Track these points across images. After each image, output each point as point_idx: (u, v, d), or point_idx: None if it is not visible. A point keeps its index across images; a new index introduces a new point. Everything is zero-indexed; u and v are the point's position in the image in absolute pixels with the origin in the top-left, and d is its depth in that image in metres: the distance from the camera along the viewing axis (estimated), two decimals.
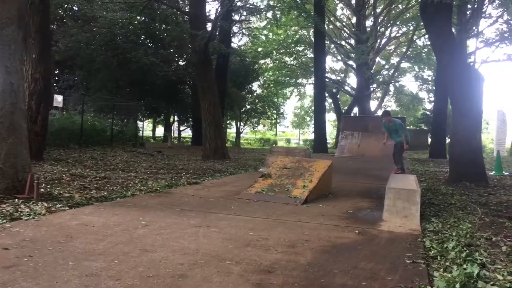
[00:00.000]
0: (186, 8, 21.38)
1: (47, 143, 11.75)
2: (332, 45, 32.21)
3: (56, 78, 24.41)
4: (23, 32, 5.71)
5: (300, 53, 33.03)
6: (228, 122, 38.30)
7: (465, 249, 3.59)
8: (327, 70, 30.52)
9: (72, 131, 15.00)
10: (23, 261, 2.91)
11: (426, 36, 22.22)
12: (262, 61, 33.87)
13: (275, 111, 42.12)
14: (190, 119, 30.53)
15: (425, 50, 29.94)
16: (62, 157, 11.51)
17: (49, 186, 6.48)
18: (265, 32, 33.17)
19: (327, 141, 26.08)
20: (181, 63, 27.56)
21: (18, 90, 5.44)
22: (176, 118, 32.85)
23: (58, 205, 4.89)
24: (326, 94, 29.28)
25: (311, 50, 29.72)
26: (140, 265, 2.93)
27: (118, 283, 2.58)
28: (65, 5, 21.07)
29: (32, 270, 2.74)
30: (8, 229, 3.75)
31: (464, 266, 3.11)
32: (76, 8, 22.01)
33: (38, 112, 10.17)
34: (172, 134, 30.40)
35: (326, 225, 4.50)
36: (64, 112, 17.64)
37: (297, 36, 32.39)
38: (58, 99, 15.79)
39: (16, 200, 4.96)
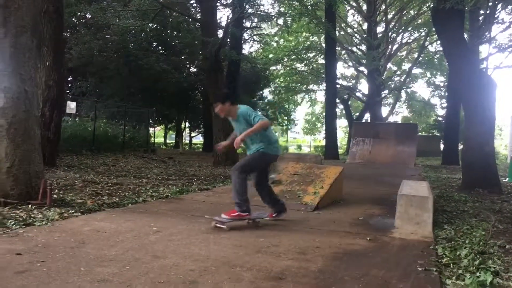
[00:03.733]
0: (198, 15, 21.54)
1: (60, 149, 11.87)
2: (343, 51, 32.17)
3: (69, 85, 24.73)
4: (37, 40, 5.79)
5: (311, 59, 32.96)
6: None
7: (478, 256, 3.55)
8: (338, 76, 30.44)
9: (85, 137, 15.17)
10: (36, 266, 2.94)
11: (438, 42, 22.13)
12: (273, 68, 33.89)
13: (286, 118, 42.12)
14: (201, 126, 30.70)
15: (437, 56, 29.74)
16: (75, 163, 11.62)
17: (62, 192, 6.53)
18: (276, 38, 33.22)
19: (339, 148, 25.96)
20: (192, 70, 27.76)
21: (32, 97, 5.51)
22: (187, 124, 33.03)
23: (70, 211, 4.93)
24: (338, 100, 29.19)
25: (322, 56, 29.66)
26: (151, 271, 2.95)
27: None
28: (78, 13, 21.39)
29: (45, 276, 2.77)
30: (21, 235, 3.79)
31: (477, 274, 3.07)
32: (89, 16, 22.31)
33: (52, 118, 10.28)
34: (183, 141, 30.53)
35: (337, 232, 4.47)
36: (77, 119, 17.85)
37: (308, 43, 32.38)
38: (71, 105, 15.98)
39: (29, 206, 5.02)
